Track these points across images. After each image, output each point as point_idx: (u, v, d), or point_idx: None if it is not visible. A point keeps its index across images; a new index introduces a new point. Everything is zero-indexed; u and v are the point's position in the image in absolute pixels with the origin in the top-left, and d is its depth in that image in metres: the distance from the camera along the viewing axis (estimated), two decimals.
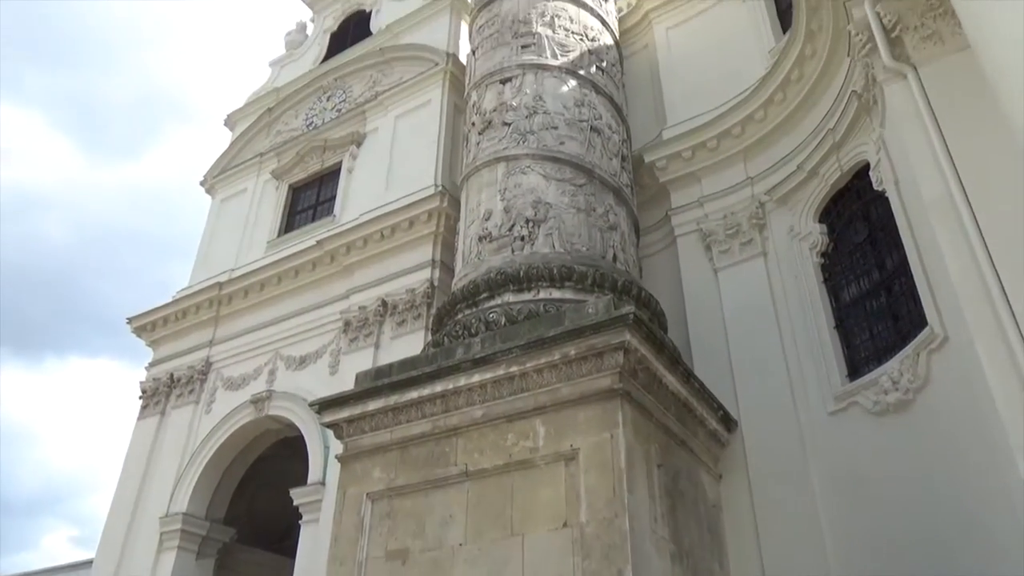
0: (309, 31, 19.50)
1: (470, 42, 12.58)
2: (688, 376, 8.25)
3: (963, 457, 6.73)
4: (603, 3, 12.26)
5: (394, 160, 14.20)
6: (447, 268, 11.80)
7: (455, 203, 11.69)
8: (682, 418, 8.10)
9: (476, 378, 7.52)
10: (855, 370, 8.60)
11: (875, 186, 8.52)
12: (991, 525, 6.30)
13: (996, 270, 5.91)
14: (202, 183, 17.77)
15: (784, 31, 10.99)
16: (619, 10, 13.61)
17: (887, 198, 8.29)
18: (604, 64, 11.36)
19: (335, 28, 18.56)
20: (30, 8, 46.48)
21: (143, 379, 15.13)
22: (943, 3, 6.69)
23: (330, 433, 9.06)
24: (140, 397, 14.90)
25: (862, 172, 9.02)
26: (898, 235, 8.07)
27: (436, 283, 11.88)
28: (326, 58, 17.75)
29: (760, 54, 11.41)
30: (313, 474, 11.54)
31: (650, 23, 13.55)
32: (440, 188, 12.74)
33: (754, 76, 10.99)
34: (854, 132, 8.99)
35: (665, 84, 12.68)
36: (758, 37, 11.71)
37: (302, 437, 12.19)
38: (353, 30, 18.05)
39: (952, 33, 6.74)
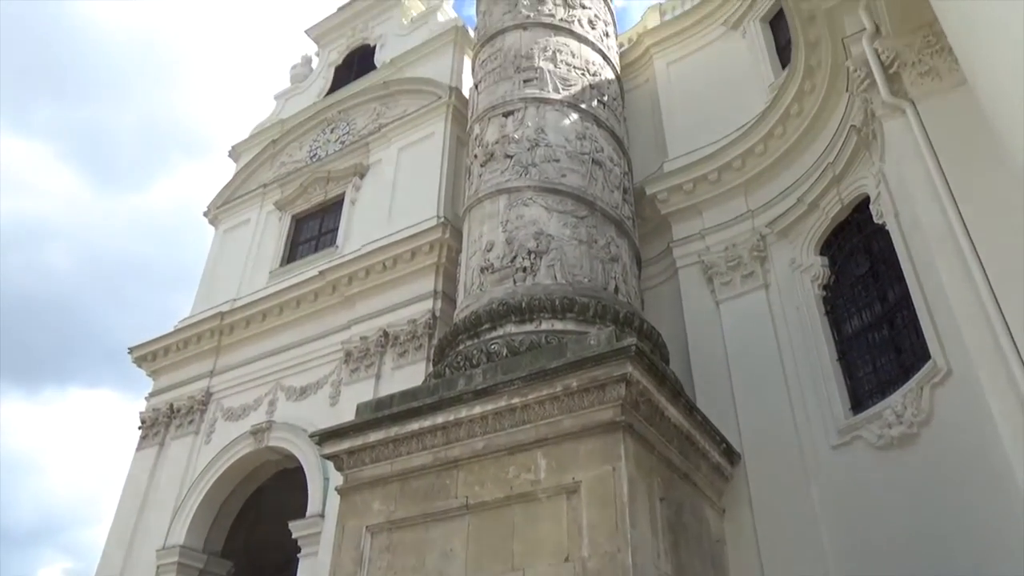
0: (314, 64, 19.78)
1: (473, 76, 12.75)
2: (690, 408, 8.21)
3: (968, 492, 6.67)
4: (604, 38, 12.44)
5: (397, 191, 14.30)
6: (449, 299, 11.81)
7: (457, 234, 11.75)
8: (685, 451, 8.04)
9: (477, 409, 7.49)
10: (858, 403, 8.56)
11: (875, 219, 8.57)
12: (998, 558, 6.21)
13: (998, 303, 5.91)
14: (205, 214, 17.88)
15: (783, 66, 11.13)
16: (620, 45, 13.81)
17: (888, 231, 8.33)
18: (605, 98, 11.49)
19: (340, 62, 18.85)
20: (38, 41, 47.19)
21: (143, 409, 15.07)
22: (940, 40, 6.79)
23: (330, 465, 9.00)
24: (139, 427, 14.82)
25: (862, 205, 9.08)
26: (899, 268, 8.09)
27: (438, 314, 11.89)
28: (330, 91, 17.98)
29: (760, 89, 11.54)
30: (312, 506, 11.44)
31: (651, 58, 13.74)
32: (442, 219, 12.81)
33: (754, 110, 11.11)
34: (854, 166, 9.06)
35: (666, 118, 12.82)
36: (758, 72, 11.86)
37: (302, 469, 12.10)
38: (358, 64, 18.32)
39: (949, 69, 6.83)
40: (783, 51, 11.51)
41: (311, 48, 20.19)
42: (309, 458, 11.79)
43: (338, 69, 18.68)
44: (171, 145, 58.99)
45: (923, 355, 7.58)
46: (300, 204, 16.02)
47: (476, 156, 11.02)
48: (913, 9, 6.81)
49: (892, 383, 8.12)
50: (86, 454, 55.53)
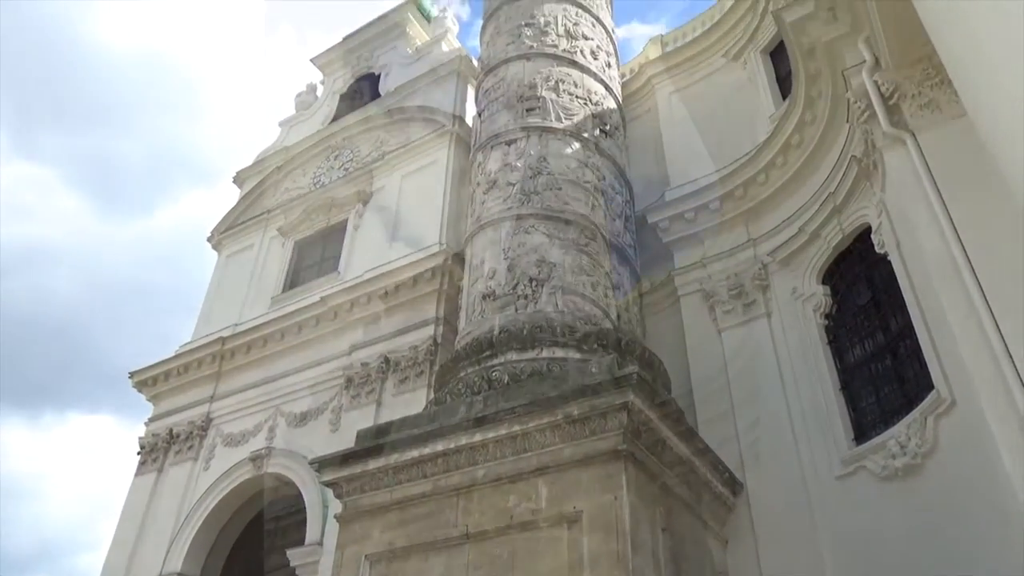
0: (319, 92, 19.99)
1: (476, 105, 12.87)
2: (692, 437, 8.16)
3: (973, 523, 6.61)
4: (606, 69, 12.57)
5: (399, 218, 14.38)
6: (450, 325, 11.80)
7: (459, 261, 11.76)
8: (687, 480, 7.97)
9: (478, 437, 7.45)
10: (862, 433, 8.50)
11: (877, 249, 8.59)
12: None
13: (1001, 332, 5.90)
14: (209, 239, 17.95)
15: (784, 97, 11.23)
16: (622, 75, 13.95)
17: (889, 261, 8.34)
18: (607, 127, 11.58)
19: (344, 90, 19.06)
20: (44, 67, 47.70)
21: (142, 435, 14.99)
22: (939, 73, 6.85)
23: (329, 492, 8.92)
24: (138, 453, 14.73)
25: (864, 235, 9.10)
26: (901, 297, 8.09)
27: (439, 340, 11.87)
28: (335, 118, 18.15)
29: (761, 119, 11.64)
30: (311, 534, 11.33)
31: (653, 88, 13.89)
32: (444, 246, 12.85)
33: (755, 140, 11.20)
34: (855, 196, 9.10)
35: (668, 147, 12.92)
36: (759, 103, 11.97)
37: (301, 496, 12.00)
38: (362, 92, 18.52)
39: (949, 101, 6.88)
40: (783, 82, 11.62)
41: (316, 76, 20.43)
42: (308, 485, 11.70)
43: (343, 97, 18.90)
44: (176, 171, 59.34)
45: (926, 385, 7.56)
46: (303, 230, 16.09)
47: (479, 183, 11.09)
48: (912, 42, 6.88)
49: (896, 413, 8.08)
50: (85, 480, 55.10)
